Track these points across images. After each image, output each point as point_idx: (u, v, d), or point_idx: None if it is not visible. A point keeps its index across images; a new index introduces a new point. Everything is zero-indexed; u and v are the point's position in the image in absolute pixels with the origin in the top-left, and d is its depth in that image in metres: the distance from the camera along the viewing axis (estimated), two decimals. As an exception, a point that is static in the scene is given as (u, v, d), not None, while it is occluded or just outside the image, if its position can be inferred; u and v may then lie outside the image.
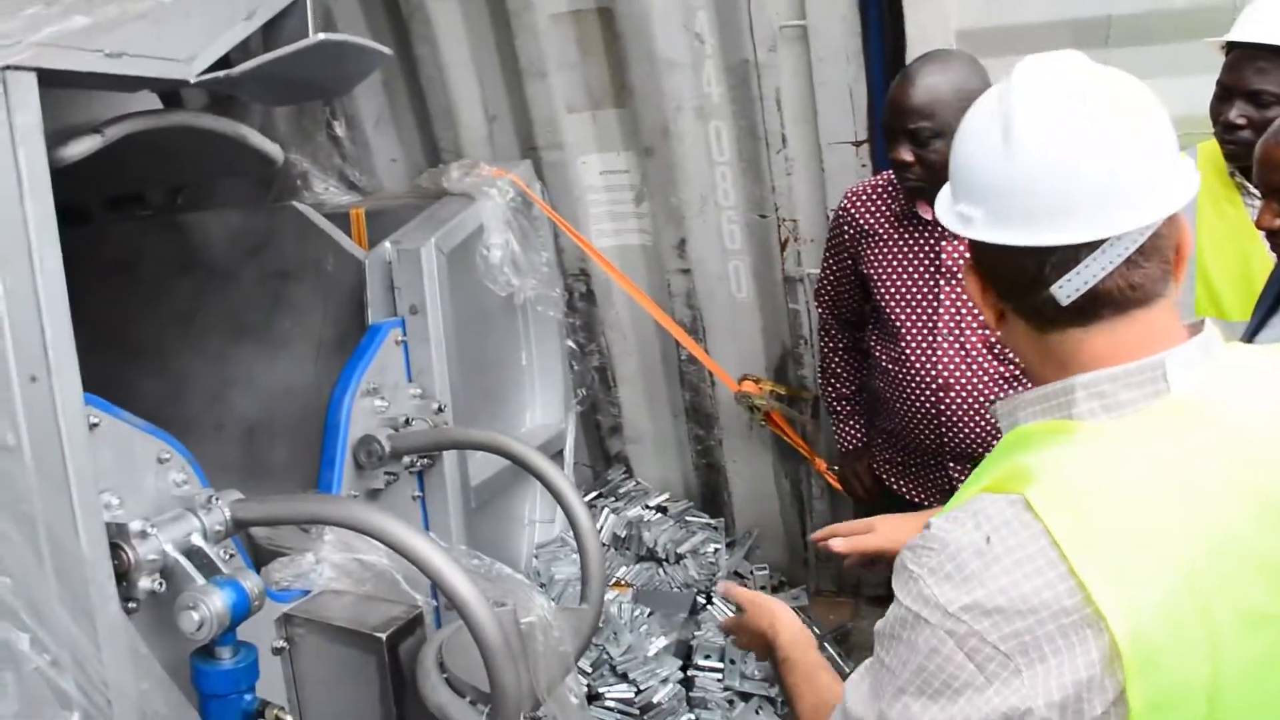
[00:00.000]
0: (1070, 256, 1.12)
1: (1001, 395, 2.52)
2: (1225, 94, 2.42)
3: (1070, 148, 1.12)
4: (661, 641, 3.26)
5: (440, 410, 2.86)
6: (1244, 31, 2.39)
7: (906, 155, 2.45)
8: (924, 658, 1.07)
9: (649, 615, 3.36)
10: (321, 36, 2.12)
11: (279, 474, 3.05)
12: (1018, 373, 2.50)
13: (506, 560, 3.44)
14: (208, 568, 1.89)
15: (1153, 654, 1.01)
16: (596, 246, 3.57)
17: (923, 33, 2.94)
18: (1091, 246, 1.11)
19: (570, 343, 3.70)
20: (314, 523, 2.17)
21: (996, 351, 2.52)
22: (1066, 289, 1.12)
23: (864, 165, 3.16)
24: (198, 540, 1.92)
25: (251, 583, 1.89)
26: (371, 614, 2.17)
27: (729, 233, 3.46)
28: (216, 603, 1.80)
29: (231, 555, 2.06)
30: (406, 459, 2.76)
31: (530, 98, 3.52)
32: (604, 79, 3.48)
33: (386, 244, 2.93)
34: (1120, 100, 1.14)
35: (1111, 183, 1.10)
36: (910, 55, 2.85)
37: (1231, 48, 2.42)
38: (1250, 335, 2.17)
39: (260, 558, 2.43)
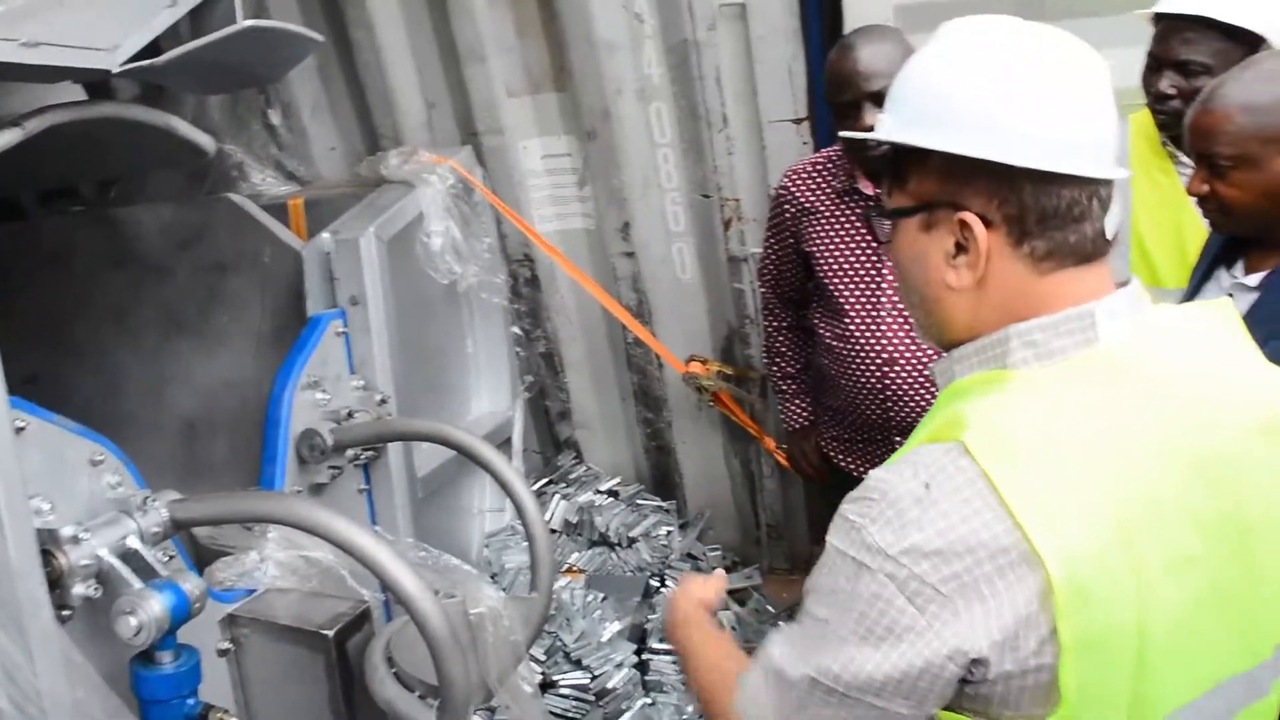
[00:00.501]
0: (1109, 192, 1.15)
1: None
2: (1155, 65, 2.45)
3: (1101, 90, 1.16)
4: (615, 626, 3.25)
5: (383, 402, 2.82)
6: (1171, 3, 2.41)
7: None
8: (865, 604, 1.07)
9: (602, 600, 3.35)
10: (248, 23, 2.07)
11: (221, 471, 3.00)
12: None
13: (457, 551, 3.42)
14: (145, 571, 1.84)
15: (1084, 593, 1.02)
16: (540, 231, 3.54)
17: (861, 9, 2.93)
18: (1112, 184, 1.16)
19: (515, 329, 3.67)
20: (255, 520, 2.14)
21: None
22: (1113, 219, 1.16)
23: (805, 143, 3.15)
24: (134, 543, 1.87)
25: (191, 584, 1.85)
26: (318, 611, 2.14)
27: (672, 214, 3.44)
28: (154, 607, 1.76)
29: (171, 557, 2.02)
30: (350, 452, 2.72)
31: (469, 82, 3.48)
32: (543, 62, 3.44)
33: (325, 234, 2.88)
34: None
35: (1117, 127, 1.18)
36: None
37: (1160, 19, 2.45)
38: (1185, 302, 2.20)
39: (204, 557, 2.39)
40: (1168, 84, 2.41)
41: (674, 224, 3.45)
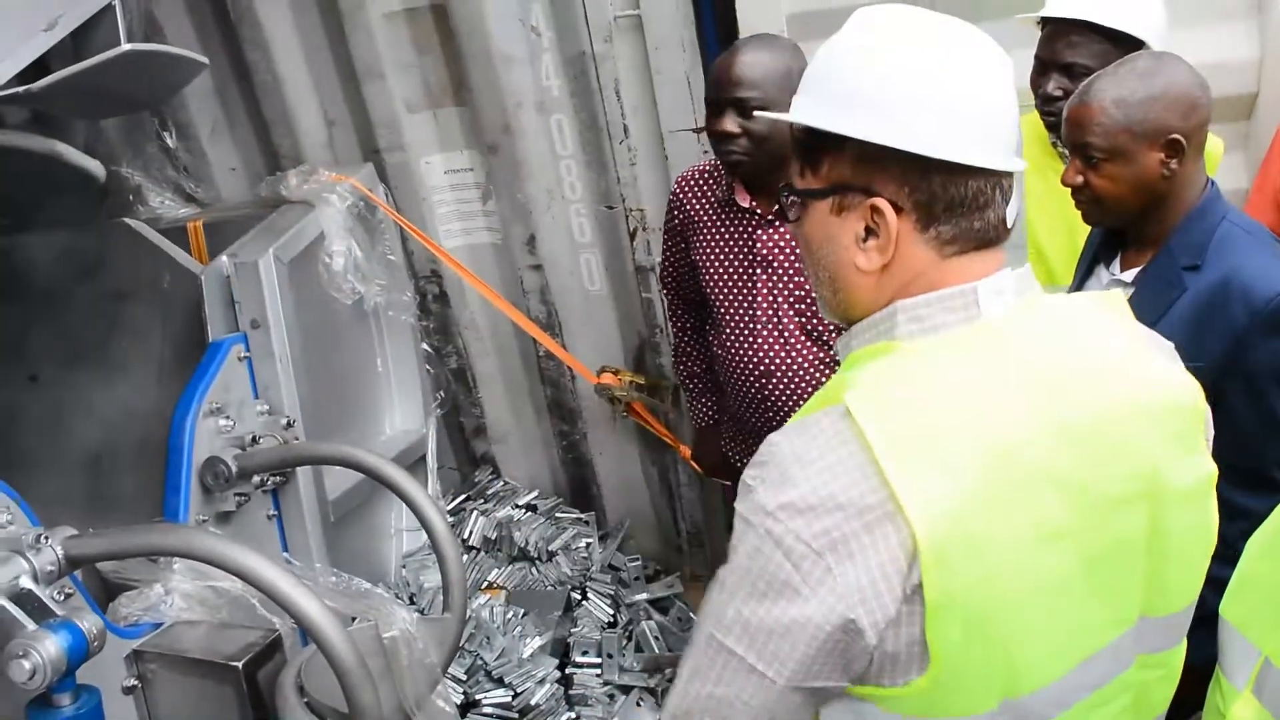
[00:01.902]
0: (1011, 182, 1.20)
1: (821, 379, 2.56)
2: (1042, 67, 2.51)
3: (1006, 84, 1.19)
4: (537, 641, 3.23)
5: (290, 425, 2.78)
6: (1055, 7, 2.47)
7: (731, 126, 2.42)
8: (749, 559, 1.10)
9: (523, 616, 3.33)
10: (127, 47, 2.02)
11: (127, 504, 2.93)
12: (835, 356, 2.54)
13: (374, 572, 3.39)
14: (39, 611, 1.79)
15: (951, 552, 1.06)
16: (446, 247, 3.52)
17: (753, 18, 2.96)
18: (1012, 176, 1.20)
19: (425, 346, 3.63)
20: (152, 554, 2.09)
21: (814, 337, 2.55)
22: (1014, 208, 1.20)
23: (705, 151, 3.16)
24: (27, 583, 1.82)
25: (89, 623, 1.80)
26: (227, 643, 2.11)
27: (578, 226, 3.44)
28: (50, 648, 1.71)
29: (69, 595, 1.97)
30: (257, 478, 2.67)
31: (369, 99, 3.45)
32: (442, 77, 3.42)
33: (223, 257, 2.84)
34: None
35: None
36: (742, 42, 2.87)
37: (1046, 23, 2.51)
38: (1072, 296, 2.25)
39: (111, 593, 2.34)
40: (1054, 86, 2.47)
41: (580, 235, 3.45)
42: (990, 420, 1.11)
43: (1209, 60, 2.77)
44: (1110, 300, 1.30)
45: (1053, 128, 2.53)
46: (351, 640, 1.83)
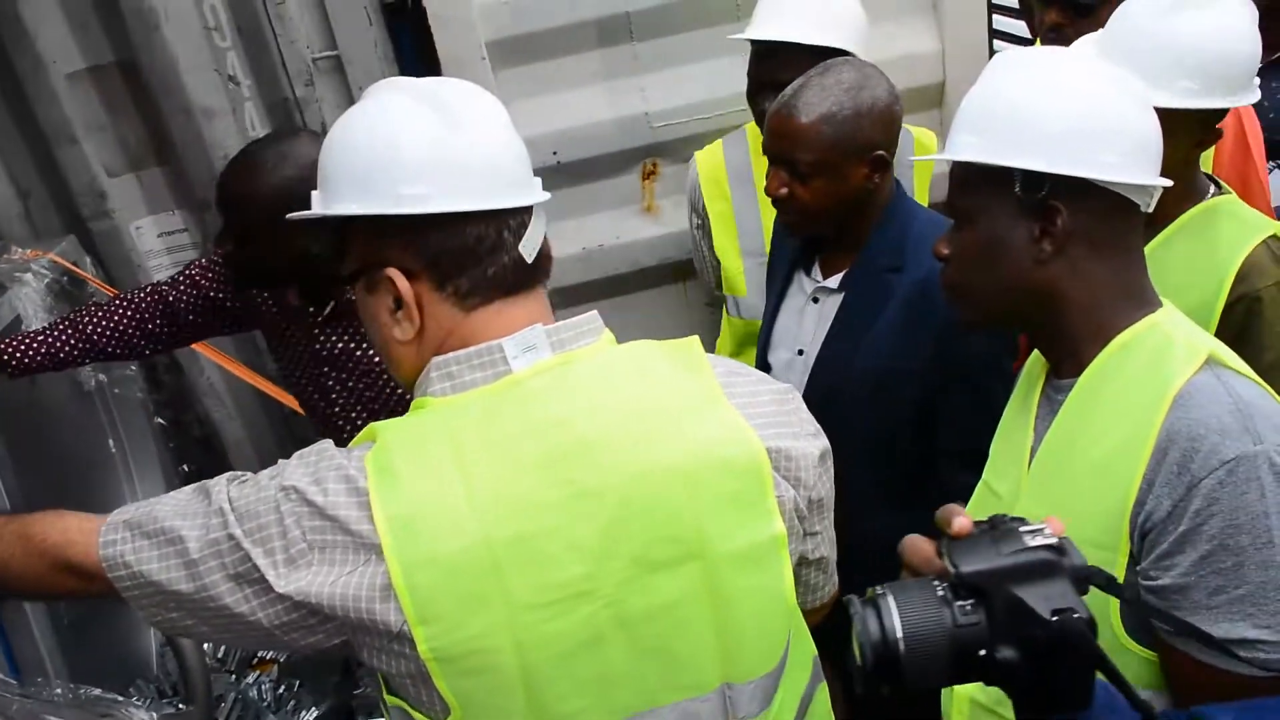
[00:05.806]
0: (524, 219, 1.23)
1: None
2: (757, 86, 2.56)
3: (508, 126, 1.25)
4: (315, 712, 3.10)
5: None
6: (760, 30, 2.52)
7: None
8: (260, 504, 1.19)
9: (298, 688, 3.18)
10: None
11: None
12: None
13: (133, 668, 3.18)
14: None
15: (436, 606, 1.11)
16: (170, 313, 3.33)
17: (452, 50, 2.92)
18: (530, 210, 1.24)
19: (159, 420, 3.43)
20: None
21: None
22: (530, 245, 1.22)
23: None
24: None
25: None
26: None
27: (305, 276, 3.31)
28: None
29: None
30: (-38, 592, 2.45)
31: (64, 166, 3.23)
32: (141, 136, 3.24)
33: (-98, 356, 2.59)
34: None
35: (525, 156, 1.27)
36: (445, 73, 2.83)
37: (755, 42, 2.55)
38: (774, 308, 2.26)
39: None
40: (768, 103, 2.51)
41: (310, 285, 3.33)
42: (500, 481, 1.14)
43: (897, 54, 2.88)
44: (681, 351, 1.28)
45: None
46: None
